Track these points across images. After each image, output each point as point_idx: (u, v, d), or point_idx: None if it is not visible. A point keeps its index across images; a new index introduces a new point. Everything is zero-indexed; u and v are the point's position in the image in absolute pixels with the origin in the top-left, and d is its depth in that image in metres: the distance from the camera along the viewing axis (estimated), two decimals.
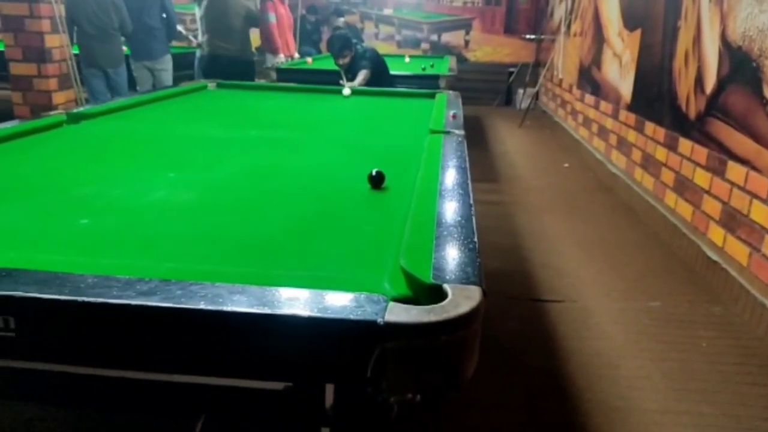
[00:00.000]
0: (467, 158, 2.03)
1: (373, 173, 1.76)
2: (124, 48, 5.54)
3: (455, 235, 1.25)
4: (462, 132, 2.47)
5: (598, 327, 2.69)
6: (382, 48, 9.26)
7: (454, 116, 2.87)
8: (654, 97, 4.25)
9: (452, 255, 1.15)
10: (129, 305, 0.91)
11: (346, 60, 4.67)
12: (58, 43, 4.95)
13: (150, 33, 5.52)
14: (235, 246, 1.27)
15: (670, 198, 3.80)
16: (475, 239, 1.25)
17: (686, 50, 3.73)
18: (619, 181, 4.80)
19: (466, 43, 9.47)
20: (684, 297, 3.01)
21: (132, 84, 5.84)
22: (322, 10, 9.24)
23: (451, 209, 1.43)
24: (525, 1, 9.35)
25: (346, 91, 3.82)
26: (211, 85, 3.97)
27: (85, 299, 0.92)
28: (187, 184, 1.74)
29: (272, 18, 6.16)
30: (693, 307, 2.92)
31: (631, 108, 4.76)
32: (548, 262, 3.41)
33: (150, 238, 1.29)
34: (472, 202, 1.52)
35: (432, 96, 3.70)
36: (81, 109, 2.72)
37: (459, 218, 1.37)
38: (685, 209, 3.58)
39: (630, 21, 4.98)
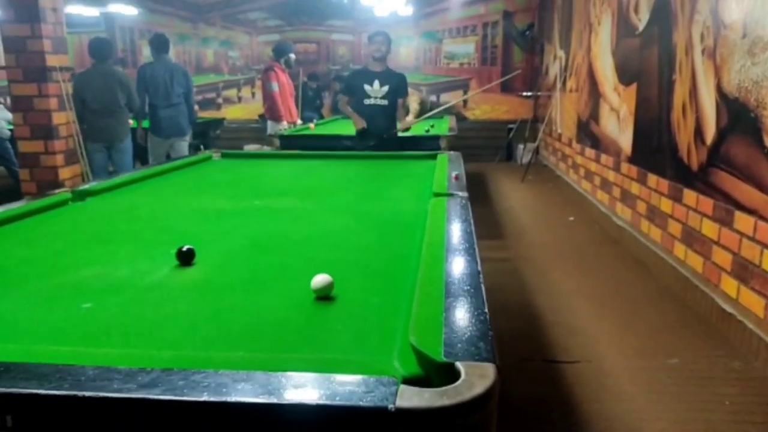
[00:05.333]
0: (472, 221, 2.02)
1: (184, 249, 1.63)
2: (131, 122, 5.67)
3: (465, 307, 1.22)
4: (465, 194, 2.46)
5: (617, 388, 2.61)
6: None
7: (456, 177, 2.87)
8: (654, 149, 4.27)
9: (463, 329, 1.11)
10: (130, 399, 0.88)
11: (382, 51, 4.65)
12: (65, 120, 5.07)
13: (179, 111, 5.66)
14: (240, 327, 1.24)
15: (679, 249, 3.77)
16: (486, 310, 1.21)
17: (683, 102, 3.77)
18: (625, 234, 4.77)
19: (465, 102, 9.65)
20: (702, 352, 2.93)
21: (143, 158, 5.95)
22: (323, 76, 9.49)
23: (459, 278, 1.40)
24: (520, 60, 9.57)
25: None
26: (215, 155, 4.01)
27: (86, 394, 0.88)
28: None
29: (275, 87, 6.32)
30: (712, 362, 2.84)
31: (632, 160, 4.78)
32: (560, 319, 3.34)
33: (153, 322, 1.26)
34: (480, 268, 1.50)
35: (433, 157, 3.73)
36: (86, 186, 2.74)
37: (468, 287, 1.34)
38: (695, 261, 3.54)
39: (625, 76, 5.07)
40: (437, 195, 2.47)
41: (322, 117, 8.49)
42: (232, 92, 10.26)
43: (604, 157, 5.60)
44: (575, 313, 3.43)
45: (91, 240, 1.97)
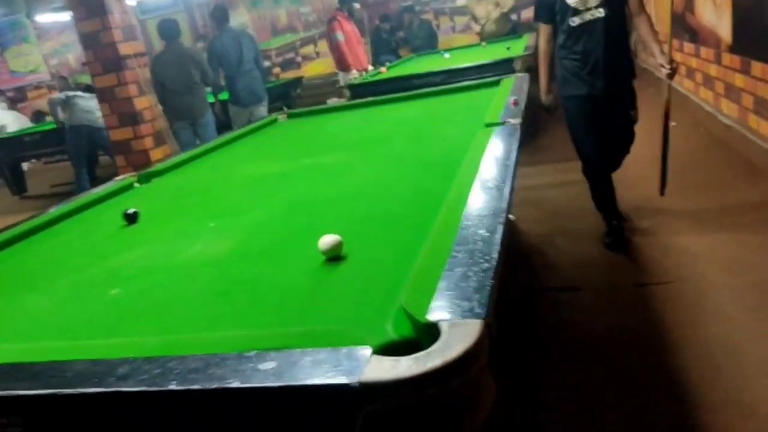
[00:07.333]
0: (516, 151, 1.85)
1: (129, 212, 1.93)
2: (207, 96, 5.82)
3: (470, 254, 1.11)
4: (517, 120, 2.26)
5: (716, 308, 2.37)
6: (462, 40, 9.06)
7: (515, 102, 2.66)
8: (757, 33, 3.73)
9: (458, 281, 1.01)
10: (104, 393, 0.87)
11: None
12: (147, 104, 5.29)
13: (253, 77, 5.75)
14: (246, 302, 1.21)
15: None
16: (494, 255, 1.09)
17: None
18: (733, 133, 4.27)
19: None
20: None
21: (229, 129, 6.13)
22: (395, 16, 9.19)
23: (475, 221, 1.28)
24: None
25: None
26: (281, 117, 4.01)
27: (64, 391, 0.89)
28: (223, 233, 1.73)
29: (340, 36, 6.21)
30: None
31: (733, 50, 4.23)
32: (653, 240, 3.08)
33: (164, 305, 1.27)
34: (505, 205, 1.36)
35: (497, 84, 3.49)
36: (151, 168, 2.83)
37: (482, 231, 1.21)
38: None
39: None
40: (488, 125, 2.30)
41: (399, 58, 8.26)
42: (309, 49, 10.26)
43: (703, 50, 5.01)
44: (671, 230, 3.14)
45: (142, 221, 2.02)
